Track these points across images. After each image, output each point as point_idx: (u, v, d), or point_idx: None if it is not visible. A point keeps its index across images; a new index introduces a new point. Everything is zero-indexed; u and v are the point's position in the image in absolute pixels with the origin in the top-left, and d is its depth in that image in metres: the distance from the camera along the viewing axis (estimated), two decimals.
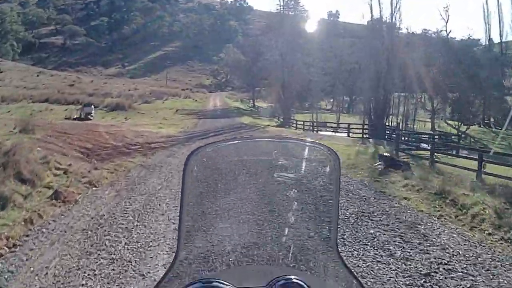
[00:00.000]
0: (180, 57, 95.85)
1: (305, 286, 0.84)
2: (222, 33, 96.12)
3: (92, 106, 28.24)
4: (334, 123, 30.11)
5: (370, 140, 20.75)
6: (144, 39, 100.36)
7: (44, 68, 74.00)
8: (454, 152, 14.30)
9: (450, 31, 40.26)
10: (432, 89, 30.39)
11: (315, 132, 25.39)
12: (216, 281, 0.83)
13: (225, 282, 0.83)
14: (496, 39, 44.80)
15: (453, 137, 24.62)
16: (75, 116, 26.52)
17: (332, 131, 26.72)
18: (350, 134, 23.26)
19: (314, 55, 40.75)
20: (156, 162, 10.94)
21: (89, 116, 26.41)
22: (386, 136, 22.65)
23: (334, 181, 1.02)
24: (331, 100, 58.64)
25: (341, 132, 26.17)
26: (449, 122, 34.62)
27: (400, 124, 26.64)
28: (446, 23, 37.64)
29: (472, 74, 31.46)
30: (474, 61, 33.76)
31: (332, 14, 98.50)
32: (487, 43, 41.84)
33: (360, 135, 22.98)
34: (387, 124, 26.22)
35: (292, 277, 0.86)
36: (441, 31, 38.81)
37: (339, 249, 1.05)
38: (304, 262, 1.16)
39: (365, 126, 25.20)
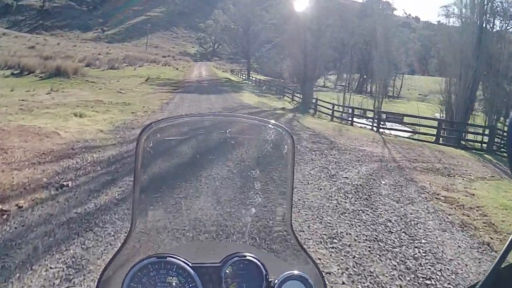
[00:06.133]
0: (164, 23, 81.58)
1: (258, 263, 0.79)
2: (211, 1, 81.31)
3: None
4: (400, 114, 16.81)
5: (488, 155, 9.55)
6: (127, 4, 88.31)
7: (19, 31, 60.62)
8: None
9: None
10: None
11: (376, 131, 12.91)
12: (171, 256, 0.75)
13: (180, 257, 0.76)
14: None
15: None
16: None
17: (370, 125, 14.86)
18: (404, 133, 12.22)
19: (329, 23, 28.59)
20: None
21: None
22: (495, 148, 11.35)
23: (289, 161, 0.92)
24: (329, 77, 48.12)
25: (385, 127, 14.33)
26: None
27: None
28: None
29: None
30: None
31: None
32: None
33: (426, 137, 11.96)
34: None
35: (247, 254, 0.80)
36: None
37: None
38: (259, 240, 1.06)
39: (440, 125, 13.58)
